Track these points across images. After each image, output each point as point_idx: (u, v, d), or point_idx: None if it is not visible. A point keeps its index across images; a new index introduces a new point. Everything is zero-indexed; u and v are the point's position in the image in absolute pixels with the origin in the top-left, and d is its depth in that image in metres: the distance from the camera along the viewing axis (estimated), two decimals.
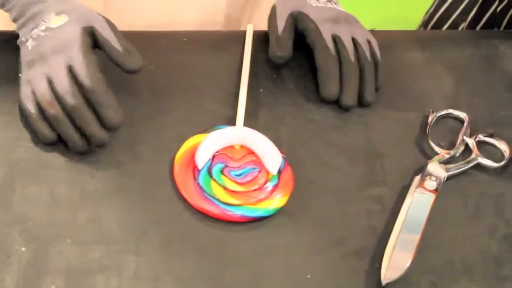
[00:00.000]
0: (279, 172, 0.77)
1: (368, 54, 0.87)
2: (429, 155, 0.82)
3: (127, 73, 0.79)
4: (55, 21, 0.78)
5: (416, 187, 0.78)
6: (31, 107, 0.75)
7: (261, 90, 0.86)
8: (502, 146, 0.84)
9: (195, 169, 0.75)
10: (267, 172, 0.77)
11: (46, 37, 0.78)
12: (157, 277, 0.68)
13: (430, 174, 0.79)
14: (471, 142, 0.83)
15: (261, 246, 0.72)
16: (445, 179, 0.79)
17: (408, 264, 0.70)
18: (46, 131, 0.75)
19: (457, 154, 0.83)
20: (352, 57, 0.85)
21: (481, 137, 0.84)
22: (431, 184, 0.78)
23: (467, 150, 0.83)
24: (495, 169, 0.82)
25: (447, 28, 1.15)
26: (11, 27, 0.84)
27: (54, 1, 0.81)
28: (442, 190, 0.78)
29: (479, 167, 0.82)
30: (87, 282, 0.67)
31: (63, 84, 0.74)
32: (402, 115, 0.86)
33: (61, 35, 0.77)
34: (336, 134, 0.83)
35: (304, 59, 0.90)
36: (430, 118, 0.85)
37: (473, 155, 0.82)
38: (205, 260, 0.70)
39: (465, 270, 0.73)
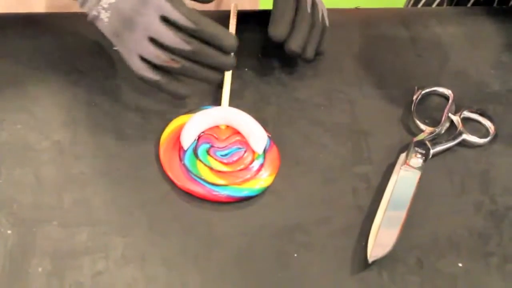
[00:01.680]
0: (265, 151, 0.77)
1: (320, 16, 0.86)
2: (414, 132, 0.82)
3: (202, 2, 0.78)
4: None
5: (402, 165, 0.78)
6: (152, 75, 0.74)
7: (246, 69, 0.86)
8: (487, 122, 0.84)
9: (180, 150, 0.75)
10: (253, 152, 0.77)
11: (119, 1, 0.73)
12: (144, 258, 0.68)
13: (416, 152, 0.79)
14: (456, 119, 0.83)
15: (247, 226, 0.72)
16: (430, 156, 0.79)
17: (394, 242, 0.71)
18: (181, 90, 0.75)
19: (442, 131, 0.83)
20: (309, 9, 0.84)
21: (466, 113, 0.84)
22: (416, 161, 0.78)
23: (452, 127, 0.83)
24: (480, 145, 0.82)
25: (437, 4, 1.14)
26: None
27: None
28: (428, 167, 0.78)
29: (464, 143, 0.82)
30: (74, 264, 0.67)
31: (169, 37, 0.72)
32: (387, 92, 0.86)
33: None
34: (322, 113, 0.83)
35: None
36: (415, 96, 0.85)
37: (458, 132, 0.82)
38: (192, 240, 0.70)
39: (451, 247, 0.73)
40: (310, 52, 0.84)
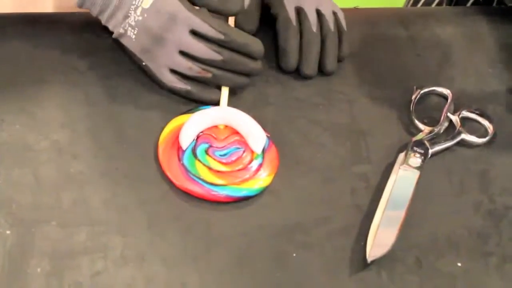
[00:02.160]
0: (264, 151, 0.77)
1: (331, 25, 0.87)
2: (413, 132, 0.83)
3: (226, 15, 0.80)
4: (145, 1, 0.75)
5: (401, 164, 0.78)
6: (184, 86, 0.78)
7: None
8: (486, 122, 0.84)
9: (179, 150, 0.75)
10: (252, 152, 0.77)
11: (147, 19, 0.75)
12: (143, 258, 0.68)
13: (415, 151, 0.79)
14: (455, 118, 0.84)
15: (246, 226, 0.72)
16: (429, 156, 0.79)
17: (393, 241, 0.71)
18: (213, 96, 0.80)
19: (441, 131, 0.83)
20: (314, 27, 0.85)
21: (465, 113, 0.84)
22: (415, 161, 0.78)
23: (451, 126, 0.84)
24: (479, 145, 0.82)
25: (437, 4, 1.14)
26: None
27: None
28: (427, 167, 0.78)
29: (463, 143, 0.82)
30: (73, 264, 0.67)
31: (201, 49, 0.75)
32: (386, 92, 0.86)
33: (161, 9, 0.75)
34: (320, 113, 0.83)
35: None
36: (414, 95, 0.85)
37: (457, 132, 0.82)
38: (190, 240, 0.70)
39: (450, 246, 0.73)
40: (329, 65, 0.86)
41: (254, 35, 0.81)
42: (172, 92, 0.79)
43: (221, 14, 0.79)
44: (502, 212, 0.77)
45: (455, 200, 0.77)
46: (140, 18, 0.76)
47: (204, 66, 0.77)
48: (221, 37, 0.75)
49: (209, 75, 0.77)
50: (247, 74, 0.80)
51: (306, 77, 0.85)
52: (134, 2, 0.76)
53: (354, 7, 0.94)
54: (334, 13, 0.88)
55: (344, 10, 0.92)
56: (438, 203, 0.77)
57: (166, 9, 0.75)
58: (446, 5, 1.12)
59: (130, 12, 0.76)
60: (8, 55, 0.82)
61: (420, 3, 1.15)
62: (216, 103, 0.80)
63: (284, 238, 0.72)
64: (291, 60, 0.84)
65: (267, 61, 0.87)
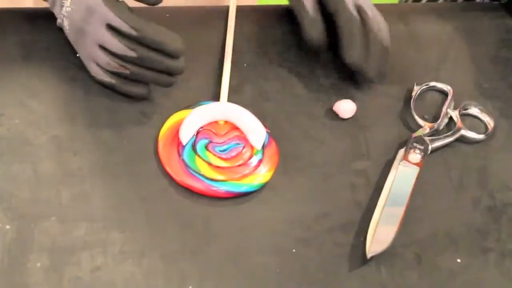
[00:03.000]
0: (264, 147, 0.77)
1: (383, 35, 0.84)
2: (413, 128, 0.83)
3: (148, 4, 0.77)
4: None
5: (400, 160, 0.78)
6: (108, 79, 0.77)
7: (245, 65, 0.86)
8: (486, 118, 0.84)
9: (179, 145, 0.75)
10: (252, 147, 0.77)
11: (73, 10, 0.76)
12: (142, 253, 0.68)
13: (414, 147, 0.79)
14: (455, 114, 0.83)
15: (246, 221, 0.72)
16: (429, 152, 0.79)
17: (392, 237, 0.71)
18: (137, 89, 0.78)
19: (441, 127, 0.83)
20: (375, 28, 0.83)
21: (465, 109, 0.84)
22: (415, 157, 0.78)
23: (451, 122, 0.84)
24: (479, 141, 0.82)
25: None
26: None
27: None
28: (426, 163, 0.78)
29: (463, 139, 0.82)
30: (72, 259, 0.67)
31: (115, 44, 0.74)
32: (386, 88, 0.86)
33: (81, 1, 0.75)
34: (320, 108, 0.83)
35: (287, 33, 0.89)
36: (414, 91, 0.85)
37: (457, 128, 0.82)
38: (190, 235, 0.70)
39: (450, 242, 0.73)
40: (371, 73, 0.83)
41: None
42: (101, 84, 0.78)
43: (142, 1, 0.76)
44: (501, 208, 0.77)
45: (454, 196, 0.77)
46: (69, 8, 0.76)
47: (121, 62, 0.75)
48: (134, 33, 0.73)
49: (127, 71, 0.75)
50: (168, 73, 0.77)
51: (370, 81, 0.84)
52: None
53: None
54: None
55: None
56: (437, 199, 0.77)
57: (85, 2, 0.74)
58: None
59: (63, 1, 0.77)
60: (7, 50, 0.82)
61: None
62: (142, 97, 0.79)
63: (284, 234, 0.72)
64: (356, 56, 0.81)
65: (266, 57, 0.87)
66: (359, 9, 0.84)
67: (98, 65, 0.77)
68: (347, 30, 0.82)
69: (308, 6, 0.84)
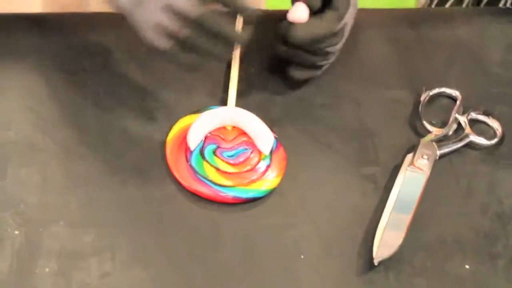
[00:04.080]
0: (271, 152, 0.77)
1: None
2: (421, 133, 0.82)
3: None
4: None
5: (408, 166, 0.78)
6: (165, 44, 0.73)
7: (253, 70, 0.86)
8: (494, 124, 0.84)
9: (187, 151, 0.75)
10: (260, 153, 0.77)
11: None
12: (150, 259, 0.68)
13: (422, 153, 0.79)
14: (463, 120, 0.83)
15: (254, 227, 0.72)
16: (437, 157, 0.79)
17: (399, 243, 0.71)
18: (191, 60, 0.75)
19: (450, 133, 0.83)
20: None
21: (473, 115, 0.84)
22: (423, 162, 0.78)
23: (460, 128, 0.83)
24: (487, 147, 0.82)
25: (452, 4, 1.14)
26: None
27: None
28: (434, 169, 0.78)
29: (471, 145, 0.82)
30: (81, 265, 0.67)
31: (183, 3, 0.71)
32: (394, 93, 0.86)
33: None
34: (328, 113, 0.83)
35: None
36: (422, 97, 0.85)
37: (465, 133, 0.82)
38: (198, 241, 0.70)
39: (458, 248, 0.73)
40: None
41: None
42: (156, 51, 0.74)
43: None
44: (509, 214, 0.77)
45: (462, 202, 0.77)
46: None
47: (184, 23, 0.72)
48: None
49: (186, 33, 0.72)
50: (229, 42, 0.74)
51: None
52: None
53: (361, 8, 0.94)
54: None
55: None
56: (445, 204, 0.77)
57: None
58: (472, 5, 1.11)
59: None
60: (16, 55, 0.82)
61: (449, 3, 1.14)
62: (193, 69, 0.76)
63: (291, 239, 0.72)
64: None
65: (274, 62, 0.87)
66: None
67: (156, 29, 0.73)
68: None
69: None
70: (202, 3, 0.72)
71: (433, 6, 1.17)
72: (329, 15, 0.78)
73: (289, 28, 0.78)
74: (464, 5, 1.12)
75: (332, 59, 0.83)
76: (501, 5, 1.06)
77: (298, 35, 0.78)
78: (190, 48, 0.74)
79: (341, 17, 0.79)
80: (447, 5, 1.14)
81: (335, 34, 0.80)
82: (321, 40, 0.79)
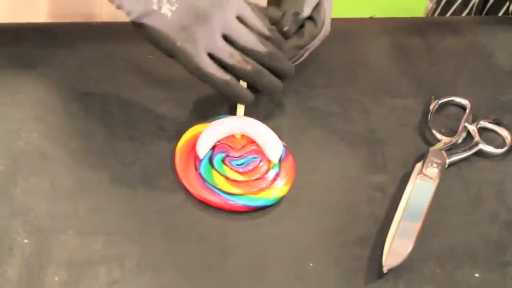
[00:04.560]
0: (280, 160, 0.77)
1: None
2: (430, 142, 0.82)
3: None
4: None
5: (418, 174, 0.78)
6: (221, 75, 0.73)
7: None
8: (504, 132, 0.84)
9: (196, 159, 0.75)
10: (269, 161, 0.77)
11: None
12: (160, 267, 0.68)
13: (432, 161, 0.79)
14: (472, 128, 0.83)
15: (263, 235, 0.72)
16: (446, 166, 0.79)
17: (409, 251, 0.70)
18: (247, 94, 0.76)
19: (459, 141, 0.83)
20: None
21: (482, 123, 0.84)
22: (432, 171, 0.78)
23: (469, 136, 0.83)
24: (496, 155, 0.82)
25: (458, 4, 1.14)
26: (9, 19, 0.84)
27: None
28: (444, 177, 0.78)
29: (480, 153, 0.82)
30: (90, 273, 0.67)
31: (247, 36, 0.72)
32: (403, 102, 0.86)
33: None
34: (337, 122, 0.83)
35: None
36: (431, 105, 0.85)
37: (474, 142, 0.82)
38: (207, 249, 0.70)
39: (468, 257, 0.73)
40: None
41: None
42: (206, 81, 0.73)
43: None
44: None
45: (472, 210, 0.77)
46: None
47: (245, 57, 0.72)
48: (266, 32, 0.73)
49: (249, 67, 0.73)
50: (282, 76, 0.77)
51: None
52: None
53: (370, 17, 0.94)
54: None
55: (360, 19, 0.93)
56: (455, 213, 0.77)
57: None
58: (475, 10, 1.12)
59: None
60: (25, 65, 0.82)
61: (449, 13, 1.15)
62: (249, 102, 0.77)
63: (301, 248, 0.72)
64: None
65: None
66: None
67: (213, 57, 0.72)
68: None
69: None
70: (265, 40, 0.74)
71: (438, 11, 1.17)
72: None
73: None
74: (467, 9, 1.12)
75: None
76: (504, 9, 1.06)
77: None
78: (248, 79, 0.75)
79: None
80: (452, 9, 1.14)
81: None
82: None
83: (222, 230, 0.72)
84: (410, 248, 0.71)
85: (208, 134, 0.77)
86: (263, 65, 0.75)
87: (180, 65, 0.74)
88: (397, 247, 0.71)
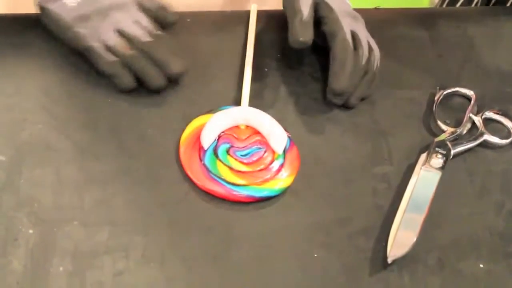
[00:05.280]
0: (285, 151, 0.77)
1: (375, 63, 0.84)
2: (435, 133, 0.82)
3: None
4: None
5: (422, 165, 0.78)
6: (108, 56, 0.79)
7: (266, 69, 0.86)
8: (509, 123, 0.84)
9: (200, 150, 0.76)
10: (273, 152, 0.77)
11: None
12: (164, 258, 0.68)
13: (436, 152, 0.79)
14: (477, 119, 0.83)
15: (267, 226, 0.72)
16: (451, 156, 0.79)
17: (413, 242, 0.71)
18: (127, 78, 0.79)
19: (464, 132, 0.82)
20: (364, 59, 0.82)
21: (487, 114, 0.84)
22: (437, 161, 0.78)
23: (474, 127, 0.83)
24: (501, 146, 0.82)
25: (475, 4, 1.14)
26: (10, 10, 0.84)
27: None
28: (448, 168, 0.78)
29: (485, 144, 0.82)
30: (95, 264, 0.67)
31: (134, 30, 0.79)
32: (408, 93, 0.86)
33: None
34: (341, 113, 0.83)
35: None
36: (436, 96, 0.85)
37: (479, 132, 0.82)
38: (211, 240, 0.70)
39: (472, 247, 0.73)
40: (353, 101, 0.83)
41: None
42: (94, 60, 0.80)
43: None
44: None
45: (477, 201, 0.77)
46: None
47: (128, 45, 0.79)
48: (157, 32, 0.80)
49: (130, 52, 0.78)
50: (166, 72, 0.80)
51: (333, 96, 0.82)
52: None
53: (375, 8, 0.94)
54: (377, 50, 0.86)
55: (364, 10, 0.92)
56: (459, 204, 0.77)
57: None
58: (481, 5, 1.11)
59: None
60: (31, 55, 0.82)
61: (459, 3, 1.14)
62: (127, 87, 0.80)
63: (305, 239, 0.72)
64: (344, 82, 0.80)
65: (287, 62, 0.87)
66: (354, 35, 0.83)
67: (103, 42, 0.79)
68: (340, 56, 0.81)
69: (304, 10, 0.83)
70: (149, 35, 0.80)
71: (444, 5, 1.17)
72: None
73: (332, 83, 0.81)
74: (473, 4, 1.12)
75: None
76: (509, 4, 1.06)
77: (343, 86, 0.80)
78: (129, 68, 0.79)
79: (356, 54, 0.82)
80: (458, 4, 1.14)
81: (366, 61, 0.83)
82: (358, 74, 0.82)
83: (227, 221, 0.72)
84: (414, 239, 0.71)
85: (212, 125, 0.77)
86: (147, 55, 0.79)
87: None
88: (401, 238, 0.71)
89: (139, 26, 0.80)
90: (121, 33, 0.79)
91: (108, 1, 0.80)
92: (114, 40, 0.79)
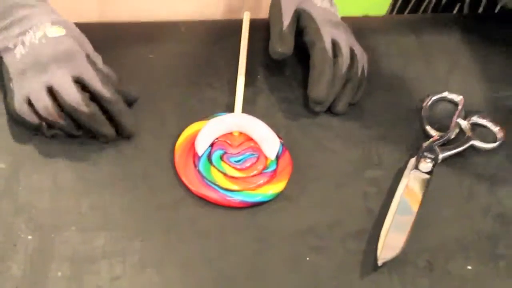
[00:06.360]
0: (277, 157, 0.78)
1: (360, 69, 0.85)
2: (424, 137, 0.84)
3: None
4: (53, 31, 0.75)
5: (411, 169, 0.79)
6: (34, 119, 0.74)
7: (259, 77, 0.87)
8: (496, 128, 0.85)
9: (195, 156, 0.77)
10: (266, 158, 0.78)
11: (43, 45, 0.74)
12: (160, 263, 0.69)
13: (425, 156, 0.80)
14: (465, 124, 0.84)
15: (260, 231, 0.73)
16: (439, 161, 0.80)
17: (403, 244, 0.72)
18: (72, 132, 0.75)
19: (452, 136, 0.84)
20: (345, 67, 0.83)
21: (474, 119, 0.85)
22: (426, 166, 0.79)
23: (462, 132, 0.84)
24: (488, 150, 0.83)
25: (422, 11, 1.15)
26: None
27: (43, 9, 0.78)
28: (437, 172, 0.79)
29: (473, 148, 0.83)
30: (92, 269, 0.68)
31: (74, 95, 0.72)
32: (397, 98, 0.87)
33: (61, 45, 0.74)
34: (333, 119, 0.84)
35: (299, 45, 0.90)
36: (425, 101, 0.86)
37: (467, 137, 0.83)
38: (206, 245, 0.71)
39: (461, 249, 0.74)
40: (341, 107, 0.84)
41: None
42: (19, 120, 0.75)
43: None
44: (511, 215, 0.78)
45: (465, 204, 0.78)
46: (37, 42, 0.74)
47: (60, 113, 0.73)
48: (105, 94, 0.74)
49: (62, 122, 0.74)
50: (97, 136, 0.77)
51: (314, 104, 0.83)
52: (38, 26, 0.75)
53: (363, 15, 0.95)
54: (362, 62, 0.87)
55: (353, 18, 0.93)
56: (448, 207, 0.78)
57: (68, 44, 0.75)
58: (431, 12, 1.12)
59: (29, 30, 0.75)
60: None
61: (406, 10, 1.15)
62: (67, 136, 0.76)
63: (298, 242, 0.73)
64: (323, 91, 0.81)
65: (280, 69, 0.88)
66: (335, 44, 0.84)
67: (31, 104, 0.74)
68: (318, 65, 0.82)
69: (285, 21, 0.85)
70: (93, 103, 0.74)
71: (394, 13, 1.17)
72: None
73: (311, 92, 0.82)
74: (420, 11, 1.13)
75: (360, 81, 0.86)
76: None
77: (321, 94, 0.81)
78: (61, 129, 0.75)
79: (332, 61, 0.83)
80: (406, 12, 1.14)
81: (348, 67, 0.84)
82: (337, 84, 0.83)
83: (221, 226, 0.73)
84: (403, 242, 0.72)
85: (206, 132, 0.78)
86: (84, 126, 0.75)
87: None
88: (391, 241, 0.72)
89: (79, 86, 0.74)
90: (55, 94, 0.73)
91: (51, 54, 0.74)
92: (42, 103, 0.73)
